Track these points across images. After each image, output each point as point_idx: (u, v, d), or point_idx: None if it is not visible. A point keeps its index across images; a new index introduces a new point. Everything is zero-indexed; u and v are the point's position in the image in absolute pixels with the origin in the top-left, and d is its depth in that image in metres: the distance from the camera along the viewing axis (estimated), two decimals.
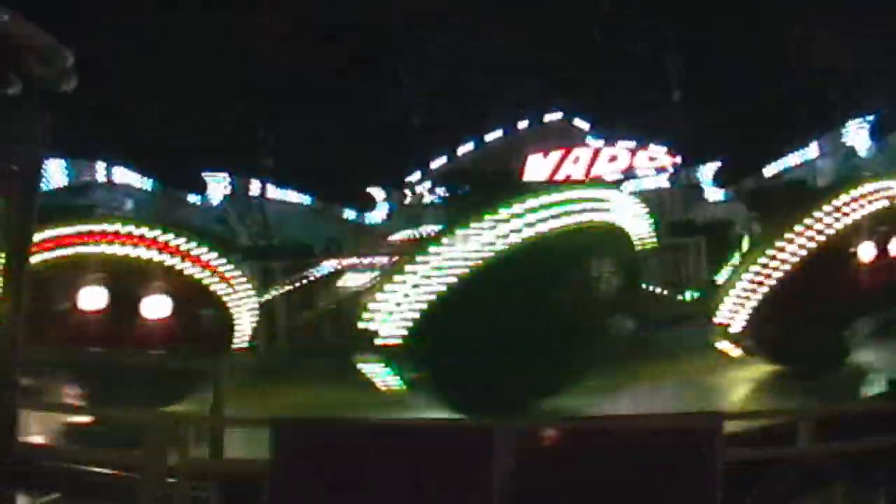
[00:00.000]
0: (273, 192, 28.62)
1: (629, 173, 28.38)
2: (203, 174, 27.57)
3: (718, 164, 28.19)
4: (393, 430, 6.32)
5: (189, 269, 13.93)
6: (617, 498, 5.28)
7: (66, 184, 24.19)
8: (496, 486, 5.28)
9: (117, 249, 13.51)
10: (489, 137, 29.40)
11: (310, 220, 28.37)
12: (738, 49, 27.08)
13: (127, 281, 13.62)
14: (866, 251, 16.01)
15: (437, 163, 30.08)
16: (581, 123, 29.38)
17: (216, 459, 7.02)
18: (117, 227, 13.74)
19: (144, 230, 13.75)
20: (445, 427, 6.71)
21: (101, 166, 25.84)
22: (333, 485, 5.41)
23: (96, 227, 13.61)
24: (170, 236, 13.79)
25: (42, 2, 5.34)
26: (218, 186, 27.86)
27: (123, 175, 26.25)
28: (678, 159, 28.70)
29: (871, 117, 26.71)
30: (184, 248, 13.89)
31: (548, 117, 29.40)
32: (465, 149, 29.69)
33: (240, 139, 27.91)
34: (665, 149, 28.82)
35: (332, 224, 28.69)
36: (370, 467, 5.46)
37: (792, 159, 27.22)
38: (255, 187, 28.21)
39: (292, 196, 29.00)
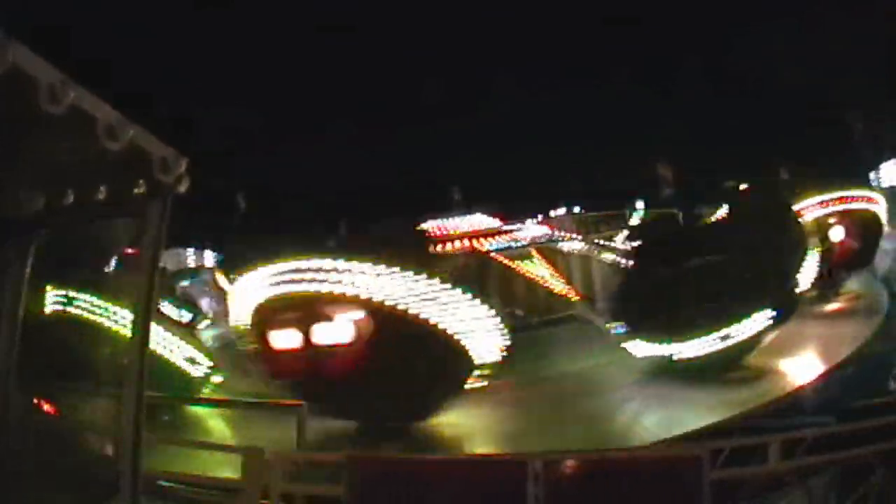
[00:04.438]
0: None
1: None
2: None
3: None
4: (446, 464, 6.29)
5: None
6: None
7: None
8: None
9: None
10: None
11: None
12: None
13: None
14: None
15: None
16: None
17: (300, 484, 6.99)
18: None
19: None
20: (489, 460, 6.66)
21: (190, 251, 27.73)
22: None
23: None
24: None
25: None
26: None
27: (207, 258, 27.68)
28: None
29: None
30: None
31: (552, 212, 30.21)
32: None
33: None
34: None
35: None
36: (427, 495, 5.42)
37: None
38: None
39: None
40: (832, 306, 20.46)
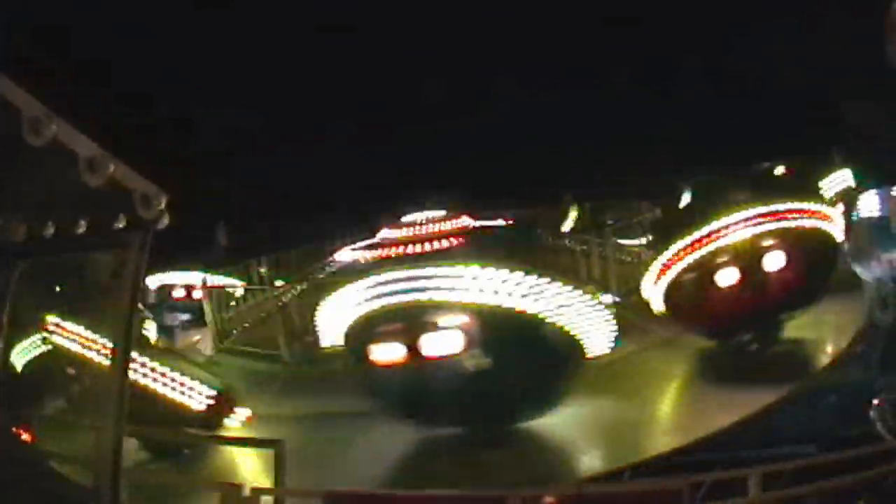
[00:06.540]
0: None
1: None
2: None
3: None
4: (424, 500, 6.26)
5: None
6: None
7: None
8: None
9: None
10: None
11: None
12: None
13: None
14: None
15: None
16: None
17: None
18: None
19: None
20: (467, 496, 6.64)
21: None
22: None
23: None
24: None
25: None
26: None
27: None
28: None
29: None
30: None
31: None
32: None
33: None
34: None
35: None
36: None
37: None
38: None
39: None
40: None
